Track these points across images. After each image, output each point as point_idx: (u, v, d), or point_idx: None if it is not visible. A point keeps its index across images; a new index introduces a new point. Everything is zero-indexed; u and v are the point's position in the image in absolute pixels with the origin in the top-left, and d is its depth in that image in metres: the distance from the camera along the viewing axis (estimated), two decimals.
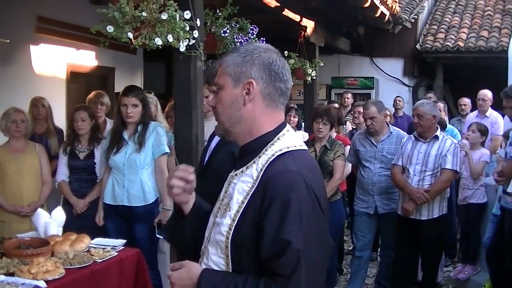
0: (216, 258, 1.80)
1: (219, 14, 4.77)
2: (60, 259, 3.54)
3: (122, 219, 4.82)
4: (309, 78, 8.35)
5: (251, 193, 1.77)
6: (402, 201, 5.25)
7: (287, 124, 1.92)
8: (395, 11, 9.22)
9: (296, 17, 7.91)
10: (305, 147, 1.90)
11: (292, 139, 1.86)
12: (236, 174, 1.88)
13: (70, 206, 5.12)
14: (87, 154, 5.24)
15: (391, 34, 11.58)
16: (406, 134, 5.72)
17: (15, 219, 5.10)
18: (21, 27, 6.79)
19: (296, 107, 8.23)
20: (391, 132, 5.70)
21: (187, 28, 3.87)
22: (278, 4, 6.78)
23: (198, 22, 4.05)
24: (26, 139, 5.38)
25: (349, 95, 9.85)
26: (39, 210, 4.19)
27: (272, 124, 1.86)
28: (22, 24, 6.80)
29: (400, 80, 12.74)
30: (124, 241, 4.08)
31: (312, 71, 8.29)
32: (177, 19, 3.66)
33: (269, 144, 1.83)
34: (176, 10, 3.71)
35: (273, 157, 1.78)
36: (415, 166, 5.17)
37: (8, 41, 6.48)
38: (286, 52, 7.79)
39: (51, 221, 4.06)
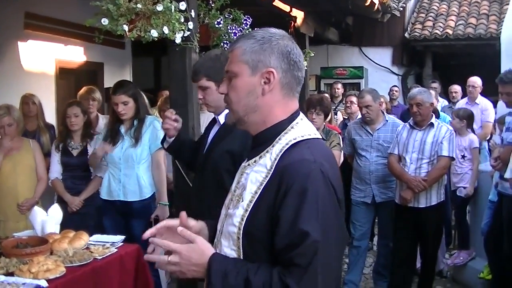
0: (228, 250, 1.76)
1: (212, 5, 4.71)
2: (60, 257, 3.46)
3: (119, 216, 4.77)
4: None
5: (265, 183, 1.72)
6: (399, 190, 5.23)
7: (301, 112, 1.87)
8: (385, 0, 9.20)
9: (286, 8, 7.85)
10: (319, 136, 1.85)
11: (307, 128, 1.82)
12: (249, 164, 1.83)
13: (64, 204, 5.05)
14: (81, 151, 5.17)
15: (379, 23, 11.55)
16: (402, 122, 5.70)
17: (11, 217, 5.05)
18: (9, 24, 6.69)
19: None
20: (387, 121, 5.69)
21: (182, 20, 3.82)
22: None
23: (193, 13, 3.99)
24: (20, 136, 5.31)
25: (339, 85, 9.81)
26: (36, 208, 4.12)
27: (286, 113, 1.82)
28: (10, 20, 6.70)
29: (389, 69, 12.75)
30: (123, 237, 4.02)
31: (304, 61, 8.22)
32: (172, 10, 3.60)
33: (282, 133, 1.78)
34: (171, 1, 3.64)
35: (288, 146, 1.74)
36: (411, 154, 5.15)
37: None
38: None
39: (48, 218, 3.99)
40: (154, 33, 3.57)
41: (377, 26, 11.87)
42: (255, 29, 1.97)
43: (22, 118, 5.44)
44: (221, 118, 3.42)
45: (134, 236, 4.62)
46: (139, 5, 3.50)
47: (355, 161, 5.78)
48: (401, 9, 11.75)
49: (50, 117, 6.75)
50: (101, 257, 3.62)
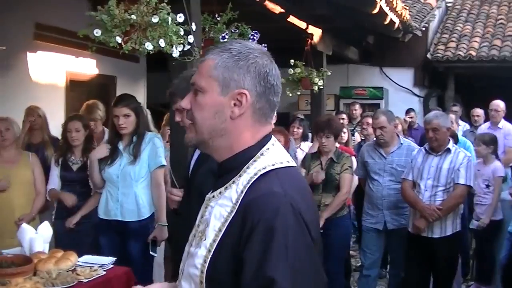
0: None
1: (218, 19, 4.53)
2: (43, 278, 3.29)
3: (116, 235, 4.57)
4: (316, 88, 8.08)
5: (229, 219, 1.49)
6: (412, 218, 4.96)
7: (273, 136, 1.64)
8: (405, 18, 8.95)
9: (302, 24, 7.67)
10: (294, 164, 1.61)
11: (279, 155, 1.59)
12: (213, 196, 1.60)
13: (62, 220, 4.89)
14: (81, 166, 5.01)
15: (401, 43, 11.27)
16: (417, 146, 5.44)
17: (7, 234, 4.86)
18: (18, 34, 6.59)
19: (302, 117, 7.97)
20: (401, 144, 5.45)
21: (182, 33, 3.63)
22: (282, 10, 6.55)
23: (194, 27, 3.81)
24: (18, 149, 5.19)
25: (357, 106, 9.58)
26: (24, 225, 3.95)
27: (255, 138, 1.59)
28: (19, 31, 6.60)
29: (411, 90, 12.47)
30: (114, 259, 3.83)
31: (319, 80, 8.02)
32: (169, 23, 3.41)
33: (251, 161, 1.56)
34: (168, 13, 3.46)
35: (256, 177, 1.51)
36: (426, 181, 4.88)
37: (5, 48, 6.27)
38: (292, 60, 7.57)
39: (37, 236, 3.81)
40: (149, 46, 3.39)
41: (399, 46, 11.57)
42: (233, 40, 1.74)
43: (19, 129, 5.33)
44: None
45: (130, 256, 4.48)
46: (133, 16, 3.33)
47: (367, 185, 5.54)
48: (423, 29, 11.49)
49: (59, 130, 6.61)
50: (87, 280, 3.44)
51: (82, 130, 5.03)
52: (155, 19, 3.35)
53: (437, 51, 12.18)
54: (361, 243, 5.61)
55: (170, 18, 3.43)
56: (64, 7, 7.02)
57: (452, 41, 12.45)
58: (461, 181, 4.79)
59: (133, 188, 4.51)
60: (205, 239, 1.52)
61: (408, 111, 10.12)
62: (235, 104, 1.54)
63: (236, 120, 1.55)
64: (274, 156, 1.57)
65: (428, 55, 12.16)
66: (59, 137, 6.18)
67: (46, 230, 3.91)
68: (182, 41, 3.64)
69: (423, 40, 12.07)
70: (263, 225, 1.41)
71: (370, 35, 11.00)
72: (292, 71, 7.70)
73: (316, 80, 7.95)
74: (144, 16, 3.41)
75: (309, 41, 8.16)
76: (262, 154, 1.57)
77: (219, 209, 1.53)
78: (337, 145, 6.10)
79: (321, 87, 8.19)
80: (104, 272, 3.60)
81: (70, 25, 7.08)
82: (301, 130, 7.16)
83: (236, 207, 1.49)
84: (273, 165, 1.54)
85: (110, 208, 4.54)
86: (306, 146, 7.15)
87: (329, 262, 5.29)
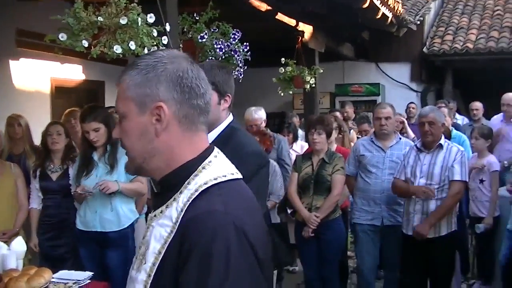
0: None
1: (197, 18, 4.35)
2: None
3: (95, 245, 4.41)
4: (308, 86, 7.88)
5: (169, 240, 1.35)
6: (406, 218, 4.78)
7: (215, 148, 1.49)
8: (398, 12, 8.76)
9: (292, 22, 7.48)
10: (239, 176, 1.47)
11: (222, 167, 1.45)
12: (155, 215, 1.45)
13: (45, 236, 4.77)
14: (61, 174, 4.81)
15: (396, 38, 11.09)
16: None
17: None
18: (0, 41, 6.42)
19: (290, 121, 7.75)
20: (400, 139, 5.34)
21: (155, 34, 3.45)
22: (269, 8, 6.36)
23: (168, 27, 3.63)
24: (0, 160, 5.01)
25: (347, 108, 9.34)
26: None
27: (194, 151, 1.45)
28: (1, 38, 6.43)
29: (408, 86, 12.26)
30: (91, 274, 3.65)
31: (311, 78, 7.82)
32: (139, 24, 3.23)
33: (192, 176, 1.41)
34: (139, 14, 3.28)
35: (197, 193, 1.36)
36: (419, 180, 4.71)
37: None
38: (282, 59, 7.39)
39: (9, 253, 3.61)
40: (118, 49, 3.21)
41: (394, 40, 11.38)
42: (144, 54, 1.59)
43: (6, 140, 5.16)
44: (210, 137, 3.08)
45: (110, 267, 4.33)
46: (100, 18, 3.15)
47: (362, 180, 5.31)
48: (418, 22, 11.30)
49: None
50: None
51: (63, 135, 4.87)
52: (123, 21, 3.18)
53: (433, 45, 11.98)
54: (356, 247, 5.42)
55: (140, 19, 3.25)
56: (47, 13, 6.83)
57: (449, 34, 12.26)
58: (457, 177, 4.62)
59: (111, 198, 4.34)
60: (145, 263, 1.39)
61: (409, 105, 9.96)
62: (157, 120, 1.41)
63: (162, 136, 1.43)
64: (217, 169, 1.43)
65: (425, 49, 11.98)
66: None
67: (19, 245, 3.73)
68: (155, 43, 3.46)
69: (418, 34, 11.89)
70: (199, 249, 1.27)
71: (365, 30, 10.80)
72: (283, 70, 7.53)
73: (308, 78, 7.76)
74: (113, 18, 3.23)
75: (300, 38, 7.96)
76: (204, 168, 1.43)
77: (159, 230, 1.39)
78: (335, 146, 5.96)
79: (313, 85, 7.99)
80: None
81: (53, 31, 6.92)
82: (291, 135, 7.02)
83: (176, 227, 1.36)
84: (215, 179, 1.40)
85: (88, 219, 4.38)
86: (298, 147, 6.98)
87: (323, 266, 5.13)
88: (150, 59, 1.44)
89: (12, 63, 6.65)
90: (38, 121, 5.87)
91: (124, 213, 4.37)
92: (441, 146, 4.72)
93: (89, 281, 3.57)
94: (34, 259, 4.73)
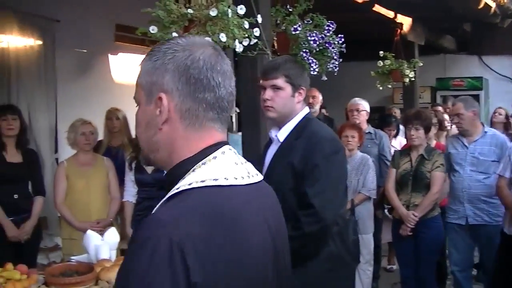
0: None
1: (290, 10, 4.23)
2: None
3: None
4: (407, 80, 7.59)
5: None
6: (509, 219, 4.44)
7: (225, 146, 1.35)
8: (502, 1, 8.24)
9: (390, 13, 7.20)
10: (235, 182, 1.30)
11: (218, 170, 1.29)
12: None
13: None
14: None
15: (500, 29, 10.47)
16: (504, 135, 4.99)
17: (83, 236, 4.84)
18: (99, 37, 6.63)
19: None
20: (486, 132, 5.07)
21: (246, 26, 3.37)
22: None
23: (260, 19, 3.54)
24: (94, 153, 5.14)
25: (449, 103, 8.90)
26: (89, 231, 3.83)
27: (192, 150, 1.32)
28: (100, 33, 6.63)
29: None
30: None
31: (410, 72, 7.52)
32: (229, 15, 3.16)
33: (185, 175, 1.29)
34: (229, 6, 3.21)
35: (169, 195, 1.25)
36: None
37: (85, 51, 6.33)
38: (381, 52, 7.14)
39: (102, 243, 3.69)
40: None
41: (498, 32, 10.75)
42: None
43: (106, 133, 5.49)
44: (281, 136, 3.03)
45: None
46: (190, 10, 3.10)
47: (450, 178, 5.19)
48: None
49: None
50: None
51: None
52: (213, 12, 3.11)
53: None
54: (447, 243, 5.21)
55: (230, 11, 3.17)
56: (140, 6, 6.99)
57: None
58: None
59: None
60: None
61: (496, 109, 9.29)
62: (160, 112, 1.31)
63: (164, 129, 1.32)
64: (211, 170, 1.28)
65: None
66: None
67: (112, 236, 3.79)
68: (247, 35, 3.37)
69: None
70: (125, 260, 1.19)
71: (466, 22, 10.27)
72: (382, 63, 7.28)
73: (407, 72, 7.47)
74: (203, 10, 3.18)
75: (399, 31, 7.67)
76: (199, 167, 1.29)
77: None
78: (434, 142, 5.76)
79: (413, 79, 7.68)
80: None
81: (146, 24, 7.08)
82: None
83: None
84: (202, 181, 1.25)
85: None
86: (397, 143, 6.73)
87: (420, 265, 4.93)
88: (163, 46, 1.34)
89: (111, 58, 6.85)
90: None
91: None
92: None
93: None
94: None
